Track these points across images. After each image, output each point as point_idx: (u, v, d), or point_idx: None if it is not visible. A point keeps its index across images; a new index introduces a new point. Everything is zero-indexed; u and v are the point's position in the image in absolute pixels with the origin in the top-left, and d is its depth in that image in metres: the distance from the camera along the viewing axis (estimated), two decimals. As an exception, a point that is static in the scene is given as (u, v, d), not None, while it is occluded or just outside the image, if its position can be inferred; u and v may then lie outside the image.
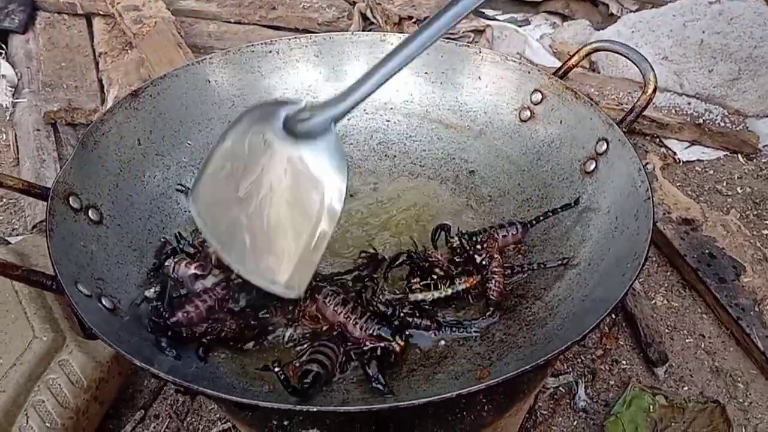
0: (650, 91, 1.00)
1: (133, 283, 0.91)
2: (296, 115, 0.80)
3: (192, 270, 0.92)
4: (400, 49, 0.76)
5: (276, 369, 0.74)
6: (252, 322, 0.89)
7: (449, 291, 0.92)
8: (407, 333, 0.87)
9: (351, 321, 0.85)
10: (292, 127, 0.80)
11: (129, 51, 2.23)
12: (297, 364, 0.83)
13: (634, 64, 1.02)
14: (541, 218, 1.02)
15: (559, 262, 0.96)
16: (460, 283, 0.92)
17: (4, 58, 2.29)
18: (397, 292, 0.95)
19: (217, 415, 1.32)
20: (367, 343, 0.83)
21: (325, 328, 0.88)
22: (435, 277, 0.94)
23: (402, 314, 0.88)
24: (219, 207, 0.86)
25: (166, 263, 0.94)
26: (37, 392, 1.12)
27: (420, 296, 0.91)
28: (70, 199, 0.89)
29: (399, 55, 0.76)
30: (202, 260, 0.95)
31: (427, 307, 0.91)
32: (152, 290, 0.90)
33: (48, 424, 1.10)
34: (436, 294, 0.91)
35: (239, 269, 0.84)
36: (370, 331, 0.84)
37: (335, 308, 0.86)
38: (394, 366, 0.84)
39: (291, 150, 0.79)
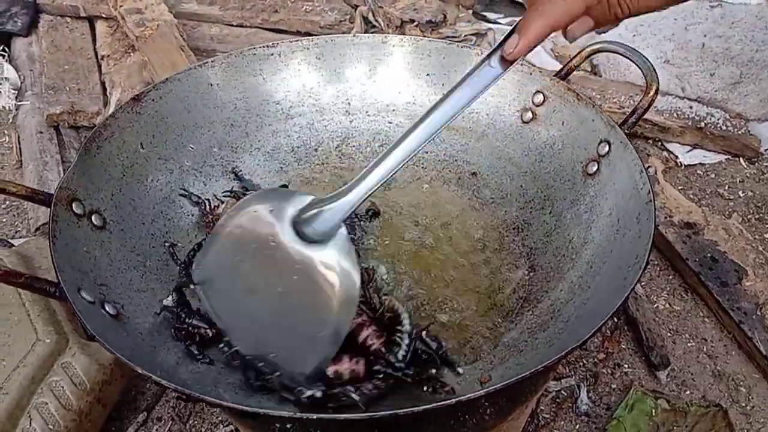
0: (652, 93, 1.00)
1: (137, 288, 0.91)
2: (303, 214, 0.80)
3: None
4: (406, 137, 0.77)
5: None
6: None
7: None
8: None
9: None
10: (300, 228, 0.80)
11: (131, 54, 2.23)
12: None
13: (636, 65, 1.02)
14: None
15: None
16: None
17: (6, 60, 2.29)
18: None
19: (220, 418, 1.32)
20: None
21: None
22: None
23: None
24: (227, 295, 0.85)
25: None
26: (40, 394, 1.12)
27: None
28: (74, 204, 0.89)
29: (405, 143, 0.76)
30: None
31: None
32: (170, 298, 0.90)
33: (51, 427, 1.10)
34: None
35: (246, 352, 0.82)
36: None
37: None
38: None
39: (302, 252, 0.79)
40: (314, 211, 0.79)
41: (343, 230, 0.78)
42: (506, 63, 0.79)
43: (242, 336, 0.83)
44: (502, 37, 0.79)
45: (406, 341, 0.79)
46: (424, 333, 0.82)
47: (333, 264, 0.78)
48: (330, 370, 0.78)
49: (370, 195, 0.77)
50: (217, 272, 0.85)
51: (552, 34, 0.78)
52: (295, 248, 0.79)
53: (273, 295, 0.82)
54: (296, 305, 0.81)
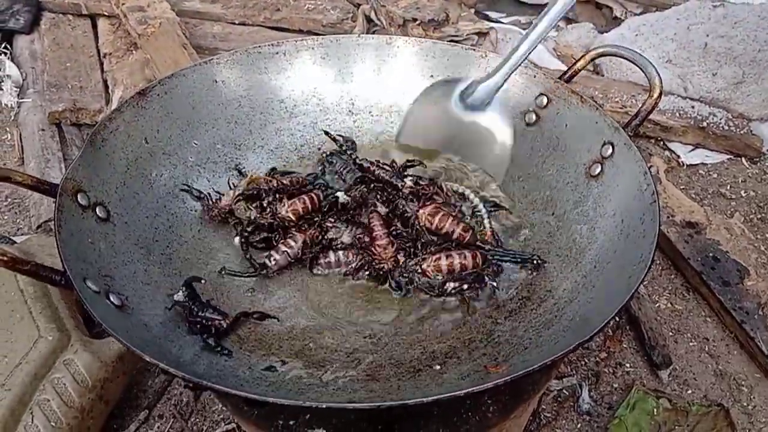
0: (656, 96, 1.00)
1: (141, 281, 0.91)
2: (467, 90, 1.13)
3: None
4: (534, 27, 1.03)
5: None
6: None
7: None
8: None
9: None
10: (465, 100, 1.13)
11: (134, 51, 2.23)
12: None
13: (640, 68, 1.03)
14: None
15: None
16: None
17: (9, 58, 2.29)
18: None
19: (221, 416, 1.32)
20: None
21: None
22: None
23: None
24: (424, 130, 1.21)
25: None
26: (42, 391, 1.12)
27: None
28: (78, 196, 0.89)
29: (544, 20, 1.03)
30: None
31: None
32: (180, 293, 0.90)
33: (53, 423, 1.10)
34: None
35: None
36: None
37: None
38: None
39: (467, 118, 1.14)
40: (474, 87, 1.12)
41: (497, 99, 1.12)
42: None
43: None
44: None
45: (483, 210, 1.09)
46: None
47: (491, 121, 1.13)
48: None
49: (511, 74, 1.09)
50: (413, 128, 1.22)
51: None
52: (463, 113, 1.14)
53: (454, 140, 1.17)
54: (470, 146, 1.16)
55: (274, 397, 0.65)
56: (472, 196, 1.10)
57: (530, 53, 1.07)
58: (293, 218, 1.04)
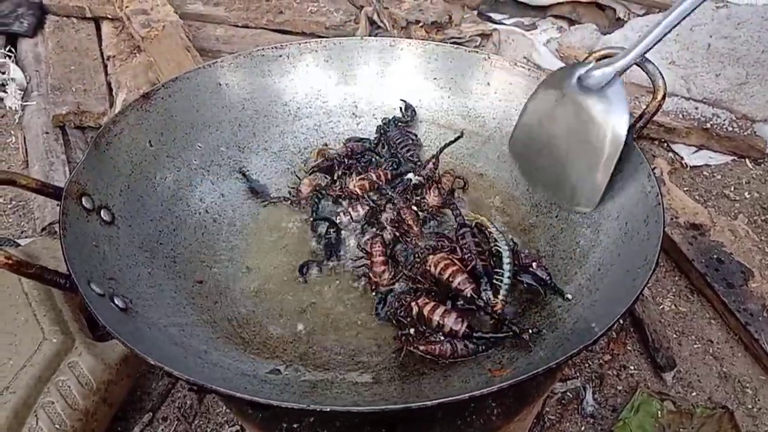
0: (660, 98, 1.00)
1: (145, 283, 0.91)
2: (587, 72, 1.03)
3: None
4: (674, 9, 0.94)
5: None
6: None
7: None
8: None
9: None
10: (584, 82, 1.04)
11: (137, 54, 2.24)
12: None
13: (644, 71, 1.02)
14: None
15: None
16: None
17: (13, 61, 2.29)
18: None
19: (225, 418, 1.32)
20: None
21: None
22: None
23: None
24: (531, 150, 1.14)
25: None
26: (46, 394, 1.13)
27: None
28: (83, 199, 0.89)
29: (672, 14, 0.94)
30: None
31: None
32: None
33: (57, 426, 1.10)
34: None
35: (549, 196, 1.11)
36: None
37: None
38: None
39: (582, 99, 1.03)
40: (594, 70, 1.03)
41: (618, 78, 1.01)
42: None
43: (538, 180, 1.13)
44: None
45: (506, 283, 0.93)
46: (534, 264, 0.97)
47: (607, 103, 1.01)
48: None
49: (634, 61, 0.99)
50: (523, 137, 1.15)
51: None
52: (579, 97, 1.04)
53: (561, 135, 1.08)
54: (578, 141, 1.05)
55: (279, 400, 0.65)
56: (506, 260, 0.96)
57: (662, 37, 0.98)
58: (359, 192, 1.11)
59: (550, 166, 1.10)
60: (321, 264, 1.04)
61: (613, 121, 0.99)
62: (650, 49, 0.97)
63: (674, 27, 0.95)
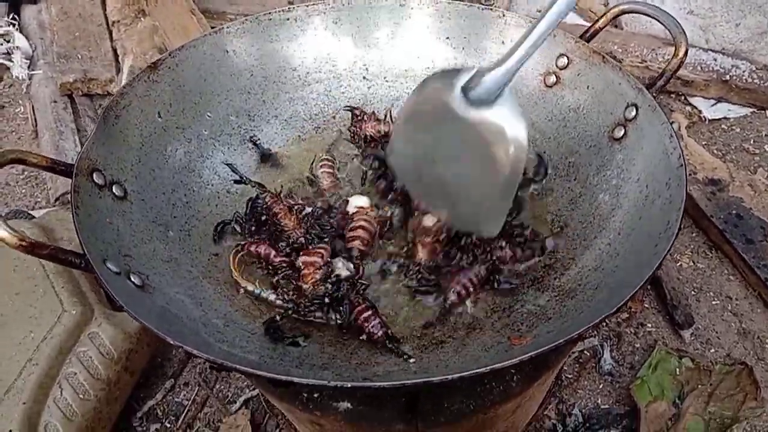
0: (681, 54, 0.97)
1: (160, 258, 0.91)
2: (470, 83, 0.86)
3: None
4: (543, 17, 0.81)
5: None
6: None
7: None
8: None
9: None
10: (469, 94, 0.86)
11: (142, 19, 2.20)
12: None
13: (664, 26, 0.99)
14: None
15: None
16: None
17: (17, 29, 2.26)
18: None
19: (246, 383, 1.34)
20: None
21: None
22: None
23: None
24: (413, 163, 0.99)
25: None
26: (69, 365, 1.14)
27: None
28: (94, 175, 0.88)
29: (544, 20, 0.81)
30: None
31: None
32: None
33: (81, 396, 1.12)
34: None
35: (441, 215, 0.98)
36: None
37: None
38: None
39: (472, 115, 0.86)
40: (479, 78, 0.85)
41: (508, 92, 0.85)
42: None
43: (429, 200, 0.99)
44: None
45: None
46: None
47: (500, 119, 0.85)
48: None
49: (523, 63, 0.83)
50: (403, 147, 1.00)
51: None
52: (466, 110, 0.87)
53: (450, 156, 0.92)
54: (471, 163, 0.90)
55: (298, 376, 0.65)
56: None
57: (550, 33, 0.84)
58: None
59: (440, 188, 0.96)
60: None
61: (510, 136, 0.84)
62: (542, 43, 0.83)
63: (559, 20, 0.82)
